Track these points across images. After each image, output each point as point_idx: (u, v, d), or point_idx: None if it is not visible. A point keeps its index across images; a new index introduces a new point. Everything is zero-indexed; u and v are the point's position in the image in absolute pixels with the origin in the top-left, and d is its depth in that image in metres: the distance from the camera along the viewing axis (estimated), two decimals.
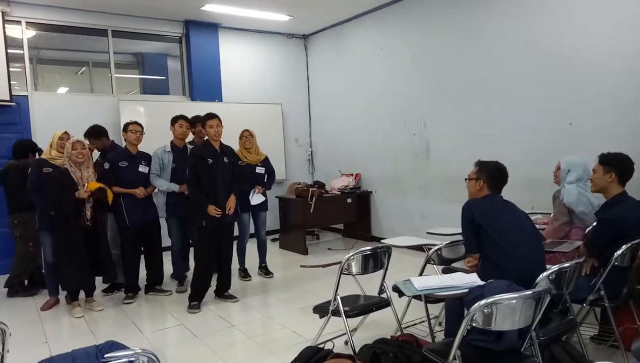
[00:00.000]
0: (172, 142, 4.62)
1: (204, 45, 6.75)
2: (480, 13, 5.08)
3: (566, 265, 2.39)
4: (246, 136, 4.91)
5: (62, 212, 3.91)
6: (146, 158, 4.53)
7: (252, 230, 5.08)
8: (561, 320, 2.46)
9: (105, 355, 1.67)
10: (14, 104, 5.50)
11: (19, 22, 5.67)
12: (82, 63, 6.82)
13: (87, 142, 4.43)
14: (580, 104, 4.28)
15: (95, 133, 4.67)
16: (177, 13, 6.31)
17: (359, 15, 6.66)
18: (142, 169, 4.45)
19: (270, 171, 5.07)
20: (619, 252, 2.66)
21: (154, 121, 6.03)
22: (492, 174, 2.74)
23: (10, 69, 5.46)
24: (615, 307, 2.76)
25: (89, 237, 4.02)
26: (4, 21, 5.41)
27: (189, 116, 4.79)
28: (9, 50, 5.43)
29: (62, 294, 4.36)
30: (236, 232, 4.79)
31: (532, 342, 2.13)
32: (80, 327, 3.86)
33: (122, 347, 1.85)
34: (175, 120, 4.61)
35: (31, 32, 5.82)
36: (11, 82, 5.46)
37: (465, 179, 2.85)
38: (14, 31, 5.64)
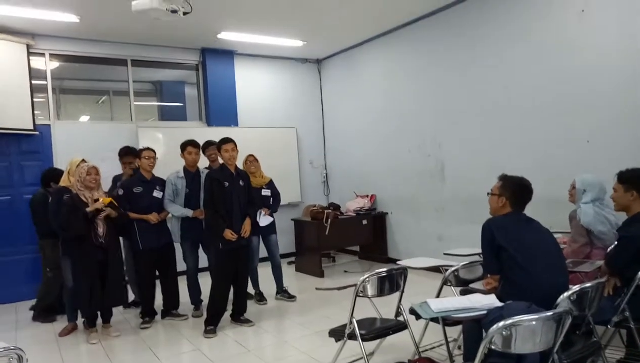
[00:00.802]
0: (184, 168, 4.66)
1: (220, 72, 6.90)
2: (491, 33, 5.10)
3: (588, 285, 2.32)
4: (250, 161, 4.97)
5: (72, 233, 3.94)
6: (161, 183, 4.58)
7: (263, 254, 5.08)
8: (584, 342, 2.38)
9: None
10: (37, 133, 5.68)
11: (42, 55, 5.89)
12: (102, 92, 7.03)
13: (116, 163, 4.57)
14: (597, 121, 4.22)
15: (131, 150, 4.85)
16: (193, 41, 6.49)
17: (371, 38, 6.75)
18: (157, 194, 4.49)
19: (275, 194, 5.10)
20: None
21: (172, 147, 6.10)
22: (515, 190, 2.65)
23: (34, 99, 5.64)
24: None
25: (103, 262, 4.05)
26: (29, 53, 5.63)
27: (203, 140, 4.87)
28: (33, 81, 5.63)
29: (80, 320, 4.40)
30: None
31: None
32: (98, 352, 3.88)
33: None
34: (183, 147, 4.62)
35: (54, 64, 6.03)
36: (35, 112, 5.64)
37: (488, 194, 2.76)
38: (38, 63, 5.86)
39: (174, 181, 4.58)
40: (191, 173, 4.65)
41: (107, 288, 4.08)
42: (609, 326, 2.67)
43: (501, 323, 1.86)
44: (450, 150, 5.69)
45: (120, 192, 4.37)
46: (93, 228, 3.99)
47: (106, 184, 4.62)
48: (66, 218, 3.93)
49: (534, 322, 1.90)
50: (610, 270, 2.82)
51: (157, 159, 4.57)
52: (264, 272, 5.12)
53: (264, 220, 4.87)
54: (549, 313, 1.94)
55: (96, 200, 4.00)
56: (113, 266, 4.12)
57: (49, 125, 5.89)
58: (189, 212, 4.52)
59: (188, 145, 4.62)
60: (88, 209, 3.93)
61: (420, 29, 5.97)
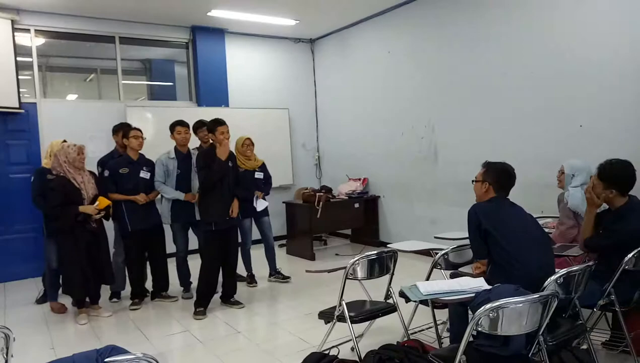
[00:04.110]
0: (175, 148, 4.61)
1: (210, 51, 6.78)
2: (487, 15, 5.04)
3: (575, 268, 2.35)
4: (247, 145, 4.89)
5: (61, 224, 3.91)
6: (148, 163, 4.52)
7: (256, 236, 5.06)
8: (570, 325, 2.40)
9: (106, 360, 1.65)
10: (23, 111, 5.55)
11: (28, 30, 5.73)
12: (90, 70, 6.89)
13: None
14: (591, 106, 4.21)
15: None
16: (183, 19, 6.35)
17: (365, 18, 6.65)
18: (144, 174, 4.43)
19: (267, 176, 5.06)
20: (630, 255, 2.60)
21: (161, 127, 6.02)
22: (498, 176, 2.69)
23: (20, 77, 5.51)
24: (626, 312, 2.70)
25: (92, 244, 4.03)
26: (14, 29, 5.47)
27: (193, 120, 4.79)
28: (18, 58, 5.49)
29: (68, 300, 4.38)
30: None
31: (540, 347, 2.08)
32: (87, 333, 3.87)
33: (123, 351, 1.83)
34: (172, 127, 4.57)
35: (40, 40, 5.88)
36: (20, 90, 5.51)
37: (472, 181, 2.80)
38: (23, 39, 5.70)
39: (165, 162, 4.52)
40: (182, 153, 4.59)
41: (100, 268, 4.07)
42: (595, 309, 2.70)
43: (488, 305, 1.87)
44: (444, 134, 5.66)
45: (107, 173, 4.31)
46: (87, 216, 3.96)
47: (92, 165, 4.52)
48: (58, 209, 3.87)
49: (520, 305, 1.91)
50: (587, 250, 2.85)
51: (145, 138, 4.50)
52: (256, 254, 5.11)
53: (260, 204, 4.87)
54: (536, 296, 1.96)
55: (94, 199, 3.97)
56: (103, 247, 4.12)
57: (35, 103, 5.76)
58: (180, 195, 4.47)
59: (177, 125, 4.56)
60: (81, 209, 3.89)
61: (416, 9, 5.88)
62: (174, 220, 4.60)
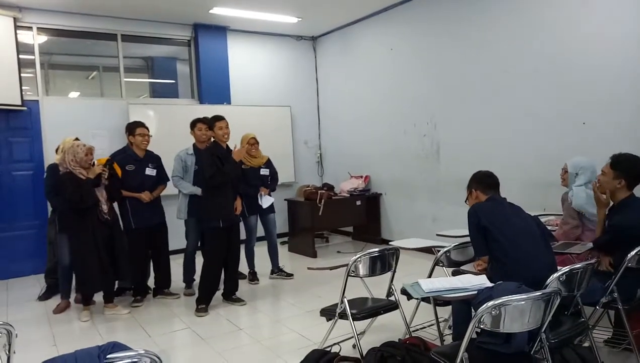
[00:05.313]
0: (194, 145, 4.63)
1: (212, 48, 6.78)
2: (490, 13, 5.02)
3: (577, 266, 2.34)
4: (252, 144, 4.88)
5: (89, 203, 3.90)
6: (154, 160, 4.53)
7: (260, 233, 5.06)
8: (572, 322, 2.40)
9: (108, 356, 1.65)
10: (25, 108, 5.56)
11: (30, 28, 5.73)
12: (92, 68, 6.90)
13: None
14: (594, 104, 4.19)
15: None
16: (185, 16, 6.34)
17: (368, 16, 6.63)
18: (149, 171, 4.44)
19: (273, 173, 5.07)
20: (633, 253, 2.59)
21: (163, 124, 6.08)
22: (479, 179, 2.83)
23: (22, 74, 5.51)
24: (629, 310, 2.69)
25: (107, 238, 4.04)
26: (16, 27, 5.47)
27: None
28: (20, 56, 5.49)
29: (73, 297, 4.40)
30: (243, 235, 4.78)
31: (542, 345, 2.08)
32: (89, 330, 3.88)
33: (125, 348, 1.84)
34: (193, 124, 4.60)
35: (42, 38, 5.88)
36: (23, 87, 5.51)
37: (465, 201, 2.92)
38: (25, 37, 5.70)
39: (184, 158, 4.56)
40: (201, 150, 4.59)
41: (118, 264, 4.09)
42: (597, 307, 2.69)
43: (490, 303, 1.87)
44: (446, 131, 5.65)
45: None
46: (98, 205, 3.98)
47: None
48: (77, 191, 3.85)
49: (522, 302, 1.90)
50: (598, 252, 2.85)
51: (151, 136, 4.51)
52: (257, 252, 5.11)
53: (265, 201, 4.88)
54: (538, 293, 1.95)
55: (92, 164, 4.01)
56: (119, 241, 4.13)
57: (37, 101, 5.77)
58: (198, 191, 4.46)
59: (198, 122, 4.58)
60: (90, 175, 3.92)
61: (418, 7, 5.86)
62: (190, 216, 4.61)
